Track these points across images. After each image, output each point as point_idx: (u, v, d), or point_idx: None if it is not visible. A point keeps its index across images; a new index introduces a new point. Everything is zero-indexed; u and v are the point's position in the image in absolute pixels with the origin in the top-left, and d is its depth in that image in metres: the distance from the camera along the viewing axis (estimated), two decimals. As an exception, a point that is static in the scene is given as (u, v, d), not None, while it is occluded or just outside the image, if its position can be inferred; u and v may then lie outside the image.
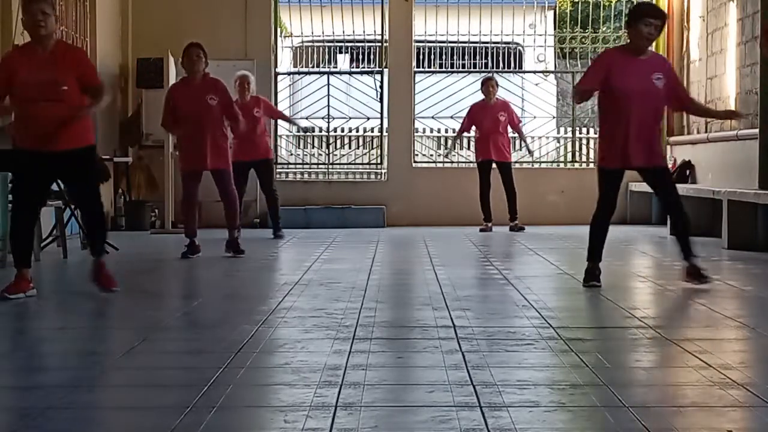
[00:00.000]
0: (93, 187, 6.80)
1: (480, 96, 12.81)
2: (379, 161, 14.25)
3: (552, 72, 15.31)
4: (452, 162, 14.42)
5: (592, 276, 7.05)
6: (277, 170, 13.21)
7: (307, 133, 14.04)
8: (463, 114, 13.14)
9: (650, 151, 7.00)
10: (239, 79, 11.44)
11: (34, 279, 6.67)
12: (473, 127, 12.76)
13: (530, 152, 13.39)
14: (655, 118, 7.11)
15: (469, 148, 13.04)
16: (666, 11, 11.48)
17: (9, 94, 6.58)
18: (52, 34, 6.62)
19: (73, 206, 9.32)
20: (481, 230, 12.44)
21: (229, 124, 9.39)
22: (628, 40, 7.13)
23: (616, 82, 6.94)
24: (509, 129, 12.69)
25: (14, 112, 6.69)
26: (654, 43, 7.63)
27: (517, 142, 13.49)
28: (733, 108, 11.40)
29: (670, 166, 11.53)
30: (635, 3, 7.45)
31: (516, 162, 13.36)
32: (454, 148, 13.50)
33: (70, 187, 6.79)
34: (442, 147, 14.89)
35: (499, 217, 12.51)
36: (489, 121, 12.51)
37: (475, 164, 12.77)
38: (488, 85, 12.65)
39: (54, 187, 9.42)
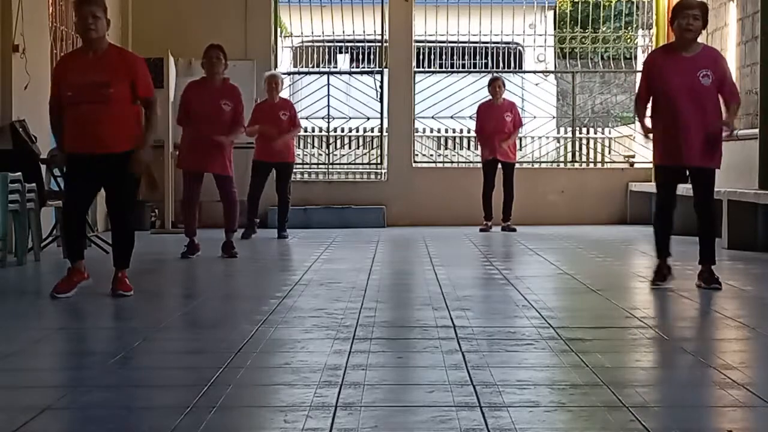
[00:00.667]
0: (129, 195, 6.80)
1: (486, 95, 12.80)
2: (379, 161, 14.25)
3: (552, 72, 15.32)
4: (452, 162, 14.44)
5: (658, 275, 6.96)
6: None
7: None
8: (463, 114, 13.17)
9: (704, 151, 6.76)
10: (267, 79, 11.58)
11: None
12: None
13: (512, 160, 12.96)
14: (707, 116, 6.76)
15: (469, 148, 13.03)
16: (667, 11, 11.49)
17: (61, 99, 6.64)
18: (103, 37, 6.65)
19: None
20: (482, 230, 12.44)
21: (231, 126, 9.39)
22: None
23: (658, 83, 6.81)
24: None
25: (65, 116, 6.68)
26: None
27: (522, 140, 13.49)
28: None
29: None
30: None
31: (516, 162, 13.33)
32: (477, 148, 13.36)
33: (108, 193, 6.80)
34: (442, 148, 14.89)
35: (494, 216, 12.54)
36: (495, 120, 12.50)
37: (480, 164, 12.77)
38: (495, 85, 12.64)
39: (54, 186, 9.46)
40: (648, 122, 6.96)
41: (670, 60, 6.86)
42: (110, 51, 6.74)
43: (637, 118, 7.42)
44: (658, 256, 7.01)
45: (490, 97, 12.67)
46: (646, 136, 7.16)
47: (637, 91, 7.23)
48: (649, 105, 6.99)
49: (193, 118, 9.27)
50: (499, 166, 12.58)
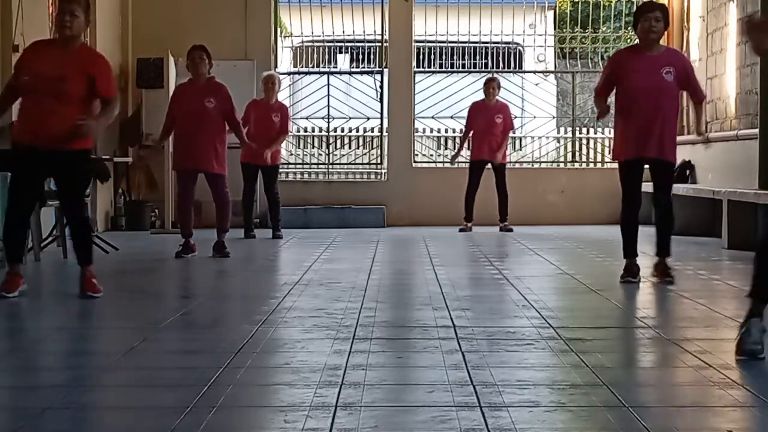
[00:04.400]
0: (79, 193, 6.71)
1: (481, 95, 12.81)
2: (379, 161, 14.25)
3: (552, 72, 15.31)
4: (455, 163, 14.43)
5: (627, 272, 7.14)
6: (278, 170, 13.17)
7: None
8: (463, 114, 13.15)
9: (662, 144, 7.05)
10: (264, 79, 11.62)
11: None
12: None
13: (502, 159, 12.67)
14: (668, 113, 7.10)
15: (469, 148, 13.03)
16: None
17: (18, 84, 6.57)
18: (78, 37, 6.61)
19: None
20: (461, 230, 12.42)
21: (230, 131, 9.41)
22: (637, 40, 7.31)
23: (623, 80, 7.07)
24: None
25: (20, 104, 6.62)
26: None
27: (522, 140, 13.47)
28: (733, 109, 11.43)
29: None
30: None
31: (516, 162, 13.36)
32: (461, 148, 13.33)
33: (59, 189, 6.72)
34: (442, 148, 14.89)
35: (486, 217, 12.50)
36: (485, 121, 12.50)
37: (468, 163, 12.77)
38: (490, 86, 12.64)
39: (54, 186, 9.45)
40: (605, 104, 7.23)
41: (636, 58, 7.15)
42: (79, 49, 6.68)
43: (596, 107, 7.54)
44: (625, 255, 7.19)
45: (484, 96, 12.68)
46: (600, 115, 7.32)
47: (596, 86, 7.48)
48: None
49: (181, 118, 9.30)
50: (489, 167, 12.55)
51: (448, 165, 13.71)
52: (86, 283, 6.55)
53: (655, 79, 7.01)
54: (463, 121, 13.08)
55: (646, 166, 7.18)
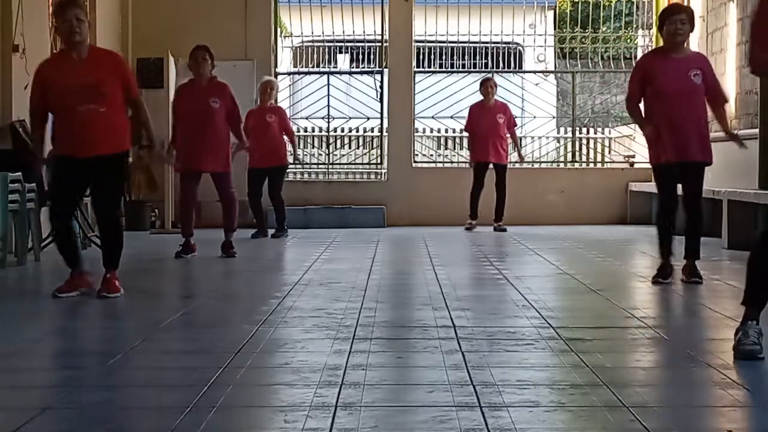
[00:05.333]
0: (116, 196, 6.81)
1: (479, 97, 12.82)
2: (379, 161, 14.25)
3: (552, 72, 15.31)
4: (452, 162, 14.43)
5: (660, 273, 7.15)
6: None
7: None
8: (463, 114, 13.16)
9: (696, 145, 7.06)
10: (261, 85, 11.71)
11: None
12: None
13: (521, 158, 13.11)
14: (701, 114, 7.14)
15: (469, 149, 13.04)
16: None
17: (46, 105, 6.60)
18: (86, 41, 6.63)
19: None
20: (467, 228, 12.46)
21: (231, 130, 9.43)
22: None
23: (652, 83, 7.07)
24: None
25: (55, 120, 6.66)
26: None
27: (522, 140, 13.47)
28: (733, 109, 11.42)
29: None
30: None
31: (516, 162, 13.32)
32: (465, 147, 13.35)
33: (95, 192, 6.77)
34: (442, 148, 14.89)
35: (487, 217, 12.53)
36: (487, 122, 12.50)
37: (469, 163, 12.78)
38: (487, 86, 12.65)
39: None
40: (642, 116, 7.23)
41: (663, 62, 7.15)
42: (95, 52, 6.73)
43: (633, 119, 7.57)
44: (661, 256, 7.20)
45: (482, 97, 12.68)
46: (651, 133, 7.21)
47: (627, 94, 7.43)
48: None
49: (185, 118, 9.31)
50: (491, 167, 12.57)
51: (448, 165, 13.73)
52: (107, 285, 6.59)
53: (685, 81, 7.02)
54: (463, 122, 13.08)
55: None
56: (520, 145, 13.26)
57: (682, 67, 7.07)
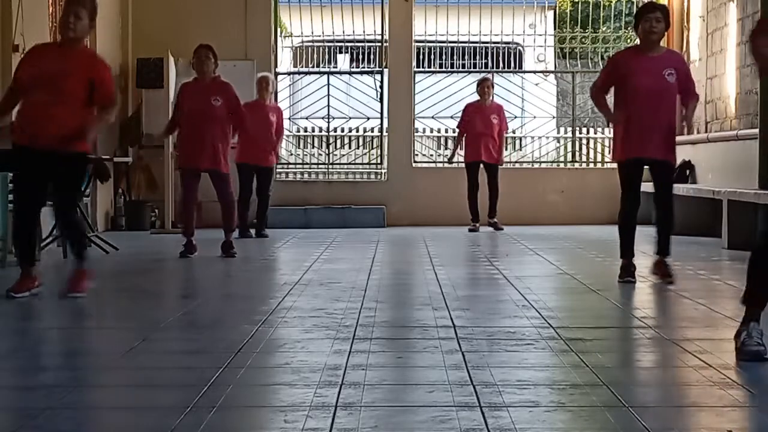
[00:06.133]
0: (72, 195, 6.67)
1: (475, 96, 12.82)
2: (379, 161, 14.25)
3: (552, 72, 15.31)
4: (452, 162, 14.43)
5: (626, 272, 7.17)
6: (277, 170, 13.17)
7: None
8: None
9: (664, 145, 7.10)
10: (258, 80, 11.73)
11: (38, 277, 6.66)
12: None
13: (501, 162, 12.79)
14: (670, 114, 7.17)
15: (454, 147, 13.06)
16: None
17: (18, 85, 6.54)
18: (80, 40, 6.60)
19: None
20: (470, 230, 12.45)
21: (234, 126, 9.44)
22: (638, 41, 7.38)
23: (625, 81, 7.09)
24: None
25: (19, 104, 6.58)
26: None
27: (522, 140, 13.45)
28: (733, 109, 11.44)
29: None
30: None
31: (516, 162, 13.36)
32: (456, 149, 13.33)
33: (53, 191, 6.69)
34: (443, 148, 14.89)
35: (484, 216, 12.52)
36: (481, 122, 12.51)
37: (464, 164, 12.77)
38: (484, 86, 12.66)
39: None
40: (608, 105, 7.34)
41: (637, 59, 7.19)
42: (81, 50, 6.68)
43: (597, 106, 7.57)
44: (622, 256, 7.21)
45: (479, 97, 12.68)
46: (621, 116, 7.22)
47: (595, 81, 7.50)
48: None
49: (187, 117, 9.33)
50: (482, 167, 12.57)
51: (448, 165, 13.71)
52: (73, 283, 6.51)
53: (657, 80, 7.05)
54: (463, 122, 13.06)
55: (646, 166, 7.19)
56: (503, 150, 13.09)
57: (657, 65, 7.09)
